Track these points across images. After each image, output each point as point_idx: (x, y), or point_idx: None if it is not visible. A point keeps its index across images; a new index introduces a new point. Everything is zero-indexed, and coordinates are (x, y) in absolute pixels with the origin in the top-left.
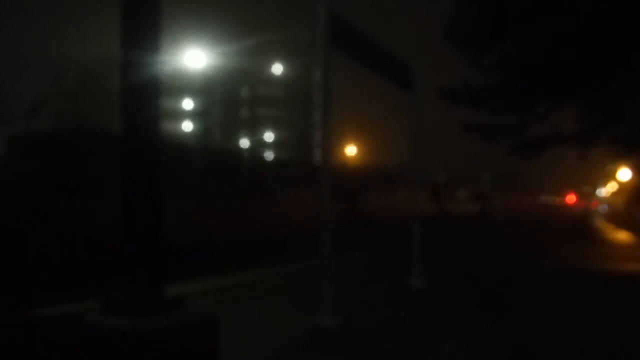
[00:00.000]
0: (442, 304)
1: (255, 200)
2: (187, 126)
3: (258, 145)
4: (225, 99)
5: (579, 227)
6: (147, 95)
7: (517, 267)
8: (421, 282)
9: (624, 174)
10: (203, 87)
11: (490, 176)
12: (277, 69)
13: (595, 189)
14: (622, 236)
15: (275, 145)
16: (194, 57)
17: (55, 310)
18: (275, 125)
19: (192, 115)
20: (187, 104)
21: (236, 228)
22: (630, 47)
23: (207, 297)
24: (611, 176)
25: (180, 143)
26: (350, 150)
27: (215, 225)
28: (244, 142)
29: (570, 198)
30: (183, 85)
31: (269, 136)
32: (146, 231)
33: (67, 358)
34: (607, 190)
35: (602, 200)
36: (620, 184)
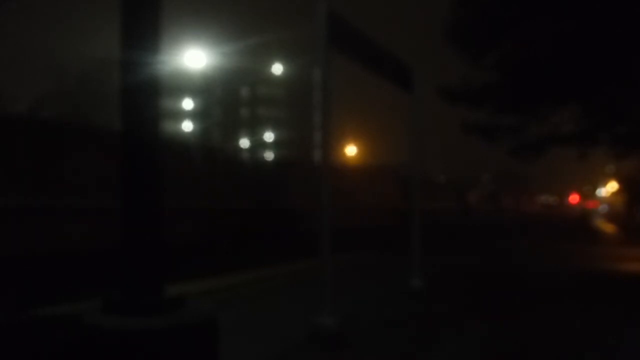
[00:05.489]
0: (442, 304)
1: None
2: (187, 126)
3: (258, 145)
4: (225, 99)
5: (579, 227)
6: (147, 95)
7: (517, 267)
8: (421, 282)
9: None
10: (203, 87)
11: (491, 176)
12: (277, 69)
13: (595, 189)
14: (622, 236)
15: (275, 145)
16: (194, 57)
17: (55, 310)
18: (275, 125)
19: (192, 115)
20: (187, 104)
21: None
22: (630, 47)
23: (207, 297)
24: (611, 176)
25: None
26: (350, 150)
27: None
28: (244, 142)
29: (574, 198)
30: (183, 85)
31: (269, 136)
32: (146, 231)
33: (67, 358)
34: (607, 190)
35: (602, 200)
36: (621, 183)
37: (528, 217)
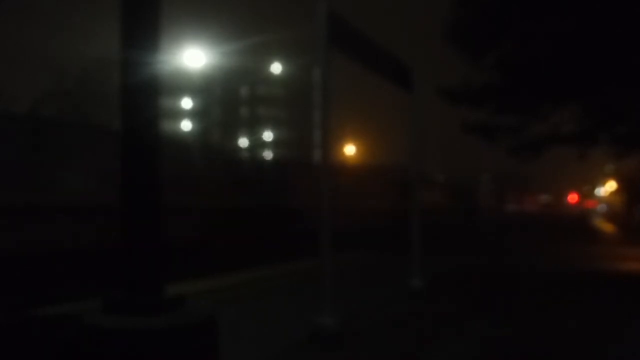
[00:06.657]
0: (442, 304)
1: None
2: (187, 126)
3: (257, 144)
4: (224, 98)
5: (578, 226)
6: (147, 95)
7: (517, 267)
8: (421, 282)
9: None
10: (203, 87)
11: (491, 176)
12: (277, 68)
13: (594, 189)
14: (621, 236)
15: (274, 145)
16: (193, 57)
17: (55, 310)
18: (275, 125)
19: (191, 114)
20: (187, 103)
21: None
22: (630, 47)
23: (207, 297)
24: (610, 176)
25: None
26: (350, 150)
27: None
28: (244, 142)
29: (572, 197)
30: (183, 85)
31: (268, 136)
32: (146, 231)
33: (67, 358)
34: (606, 189)
35: (601, 199)
36: (620, 183)
37: (505, 220)
